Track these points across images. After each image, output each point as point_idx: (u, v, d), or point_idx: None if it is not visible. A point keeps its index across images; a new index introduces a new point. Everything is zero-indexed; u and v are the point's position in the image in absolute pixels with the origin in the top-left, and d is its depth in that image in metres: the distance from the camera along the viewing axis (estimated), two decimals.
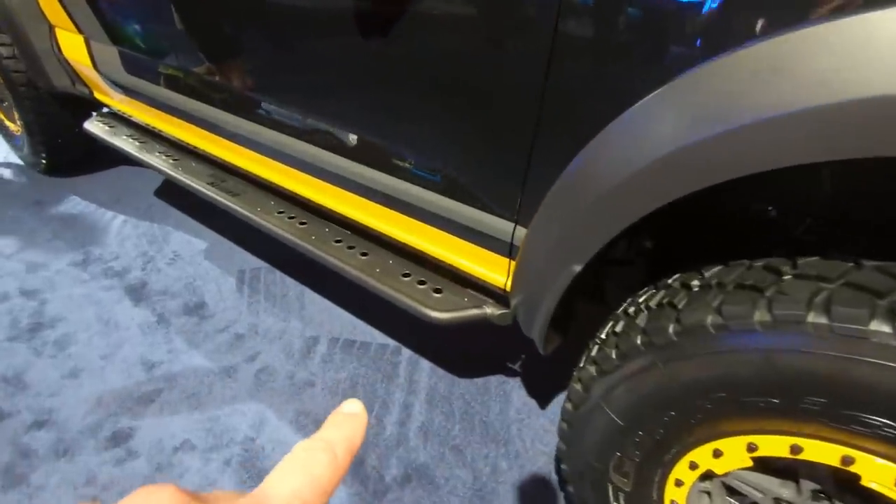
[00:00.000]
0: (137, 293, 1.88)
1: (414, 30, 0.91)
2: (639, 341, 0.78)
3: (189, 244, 2.18)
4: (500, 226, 0.99)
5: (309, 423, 1.43)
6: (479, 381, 1.60)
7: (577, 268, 0.82)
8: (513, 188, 0.93)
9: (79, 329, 1.71)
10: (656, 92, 0.68)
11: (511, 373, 1.64)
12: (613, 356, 0.82)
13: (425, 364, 1.65)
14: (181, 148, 1.84)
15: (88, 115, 2.46)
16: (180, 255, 2.11)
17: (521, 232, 0.96)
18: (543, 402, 1.55)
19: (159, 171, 1.77)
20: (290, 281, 1.99)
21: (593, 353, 0.88)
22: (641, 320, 0.80)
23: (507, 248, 1.01)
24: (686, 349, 0.72)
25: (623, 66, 0.72)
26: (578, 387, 0.90)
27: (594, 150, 0.76)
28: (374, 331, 1.77)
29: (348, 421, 0.27)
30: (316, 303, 1.88)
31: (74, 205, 2.42)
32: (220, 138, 1.55)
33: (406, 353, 1.69)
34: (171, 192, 2.53)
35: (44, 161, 2.49)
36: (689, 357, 0.72)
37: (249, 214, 1.49)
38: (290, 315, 1.82)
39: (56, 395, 1.48)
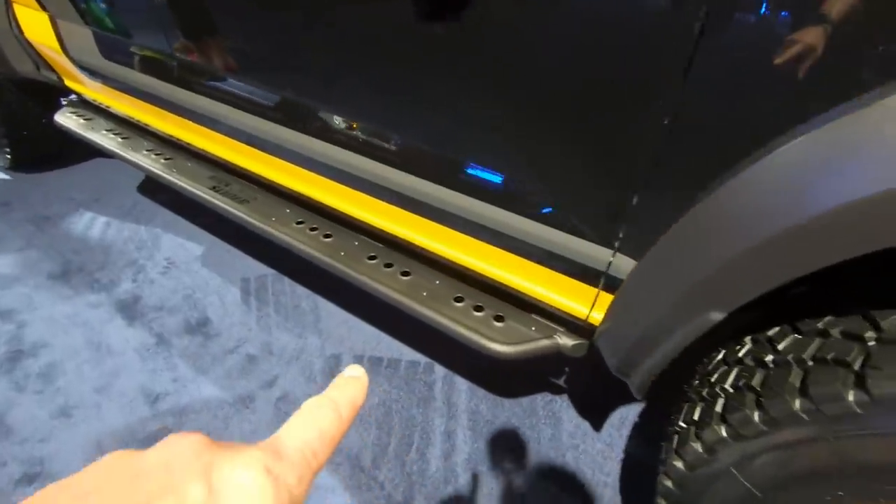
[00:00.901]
0: (130, 310, 1.67)
1: (524, 47, 0.73)
2: (798, 407, 0.63)
3: (183, 249, 1.96)
4: (593, 252, 0.83)
5: (343, 461, 1.28)
6: (524, 401, 1.46)
7: (719, 316, 0.66)
8: (618, 214, 0.76)
9: (66, 356, 1.50)
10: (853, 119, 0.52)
11: (555, 389, 1.50)
12: (757, 420, 0.68)
13: (462, 383, 1.50)
14: (172, 144, 1.60)
15: (58, 104, 2.20)
16: (174, 263, 1.89)
17: (624, 262, 0.80)
18: (596, 422, 1.42)
19: (148, 173, 1.54)
20: (300, 290, 1.80)
21: (720, 408, 0.74)
22: (795, 378, 0.65)
23: (597, 277, 0.85)
24: (875, 424, 0.58)
25: (781, 95, 0.56)
26: (698, 446, 0.76)
27: (756, 183, 0.59)
28: (400, 345, 1.61)
29: (351, 383, 0.31)
30: (332, 314, 1.70)
31: (47, 205, 2.16)
32: (223, 136, 1.33)
33: (439, 370, 1.53)
34: (157, 188, 2.29)
35: (8, 156, 2.21)
36: (880, 434, 0.58)
37: (262, 226, 1.29)
38: (305, 330, 1.64)
39: (46, 439, 1.28)
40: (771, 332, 0.74)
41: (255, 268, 1.89)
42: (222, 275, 1.84)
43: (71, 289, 1.75)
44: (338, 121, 1.08)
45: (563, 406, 1.45)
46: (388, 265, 1.16)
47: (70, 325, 1.61)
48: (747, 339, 0.79)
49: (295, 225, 1.28)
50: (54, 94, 2.16)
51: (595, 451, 1.34)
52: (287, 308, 1.72)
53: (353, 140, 1.07)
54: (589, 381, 1.52)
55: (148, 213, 2.16)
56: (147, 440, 1.29)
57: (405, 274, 1.14)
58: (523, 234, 0.89)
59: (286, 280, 1.84)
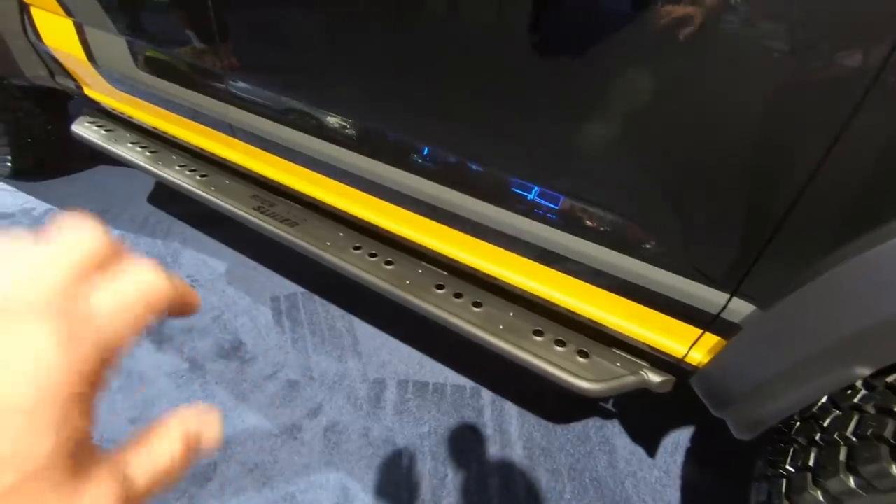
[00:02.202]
0: (157, 333, 1.59)
1: (667, 103, 0.70)
2: None
3: (205, 266, 1.88)
4: (703, 294, 0.81)
5: (401, 492, 1.23)
6: (577, 426, 1.44)
7: (866, 371, 0.65)
8: (742, 257, 0.74)
9: None
10: None
11: (605, 414, 1.49)
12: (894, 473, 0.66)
13: (511, 409, 1.47)
14: (204, 159, 1.53)
15: (64, 110, 2.09)
16: (198, 281, 1.81)
17: (741, 307, 0.78)
18: (650, 447, 1.40)
19: (182, 190, 1.46)
20: (333, 309, 1.75)
21: (844, 457, 0.73)
22: None
23: (706, 320, 0.83)
24: None
25: None
26: (818, 495, 0.75)
27: None
28: (444, 369, 1.57)
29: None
30: (370, 335, 1.65)
31: (54, 218, 2.04)
32: (272, 155, 1.28)
33: (486, 395, 1.50)
34: (170, 198, 2.19)
35: (9, 164, 2.09)
36: None
37: (318, 251, 1.24)
38: (344, 353, 1.58)
39: None
40: (891, 379, 0.73)
41: (283, 285, 1.82)
42: (250, 293, 1.77)
43: None
44: (411, 148, 1.04)
45: (615, 431, 1.44)
46: (458, 295, 1.13)
47: None
48: (858, 383, 0.78)
49: (353, 251, 1.23)
50: (62, 100, 2.06)
51: (653, 478, 1.33)
52: (322, 329, 1.66)
53: (426, 168, 1.03)
54: (640, 404, 1.51)
55: (163, 225, 2.06)
56: (193, 478, 1.22)
57: (477, 305, 1.11)
58: (624, 273, 0.87)
59: (317, 298, 1.78)
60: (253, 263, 1.91)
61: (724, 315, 0.81)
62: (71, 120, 2.11)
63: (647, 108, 0.72)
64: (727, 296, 0.79)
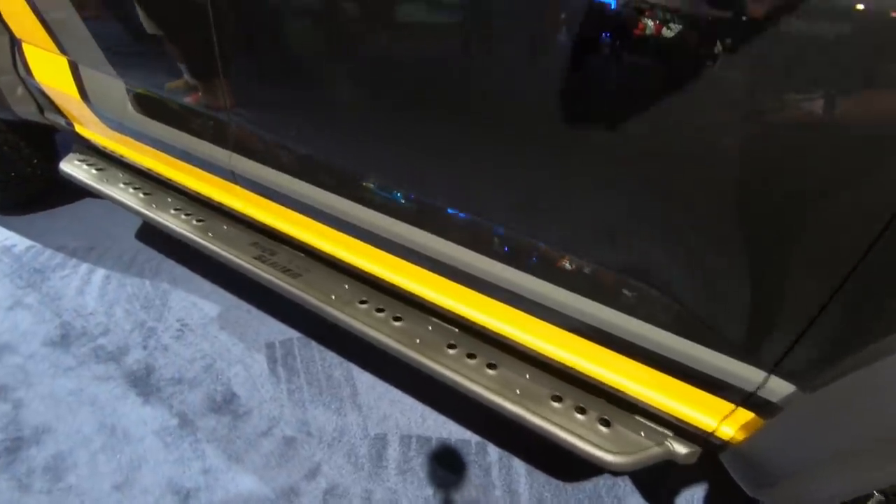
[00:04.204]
0: (144, 384, 1.50)
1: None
2: None
3: (196, 309, 1.80)
4: (741, 371, 0.77)
5: None
6: (587, 485, 1.38)
7: None
8: (783, 335, 0.71)
9: (75, 444, 1.32)
10: None
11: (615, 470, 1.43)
12: None
13: (520, 466, 1.41)
14: (200, 202, 1.47)
15: (51, 144, 2.02)
16: (188, 325, 1.73)
17: (780, 386, 0.75)
18: None
19: (178, 236, 1.40)
20: (330, 356, 1.67)
21: None
22: None
23: (740, 396, 0.80)
24: None
25: None
26: None
27: None
28: (447, 421, 1.50)
29: None
30: (369, 385, 1.59)
31: (37, 255, 1.95)
32: (275, 203, 1.23)
33: (493, 451, 1.44)
34: (159, 234, 2.11)
35: None
36: None
37: (322, 305, 1.19)
38: (343, 405, 1.51)
39: None
40: None
41: (278, 330, 1.75)
42: (243, 339, 1.70)
43: (73, 358, 1.56)
44: (422, 205, 1.00)
45: (626, 490, 1.38)
46: (471, 356, 1.08)
47: (76, 404, 1.42)
48: None
49: (359, 305, 1.18)
50: (48, 134, 1.99)
51: None
52: (319, 379, 1.59)
53: (441, 226, 0.99)
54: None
55: (151, 264, 1.98)
56: None
57: (492, 367, 1.06)
58: (654, 344, 0.83)
59: (314, 345, 1.71)
60: (246, 305, 1.84)
61: (760, 393, 0.77)
62: (58, 154, 2.05)
63: (687, 183, 0.69)
64: (765, 374, 0.76)
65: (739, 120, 0.62)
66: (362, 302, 1.19)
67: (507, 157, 0.86)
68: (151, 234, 2.13)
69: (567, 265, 0.87)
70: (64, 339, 1.62)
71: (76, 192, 2.25)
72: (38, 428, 1.35)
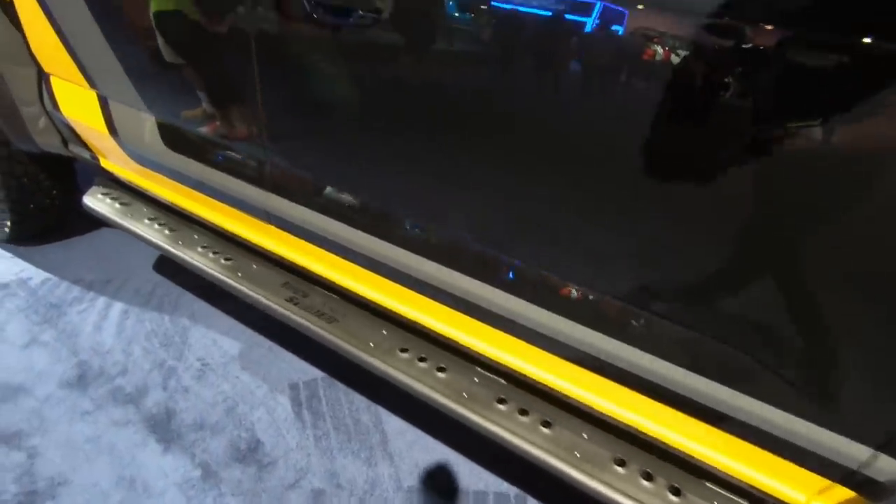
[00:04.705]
0: (164, 429, 1.43)
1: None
2: None
3: (216, 347, 1.73)
4: (842, 447, 0.70)
5: None
6: None
7: None
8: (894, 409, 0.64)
9: (92, 498, 1.25)
10: None
11: None
12: None
13: None
14: (231, 240, 1.42)
15: (71, 175, 1.99)
16: (209, 364, 1.66)
17: (890, 465, 0.67)
18: None
19: (206, 276, 1.35)
20: (357, 398, 1.60)
21: None
22: None
23: (840, 473, 0.72)
24: None
25: None
26: None
27: None
28: (482, 471, 1.42)
29: None
30: (399, 430, 1.51)
31: (53, 289, 1.90)
32: (310, 244, 1.17)
33: None
34: (177, 267, 2.04)
35: (7, 230, 1.96)
36: None
37: (359, 353, 1.12)
38: (373, 454, 1.43)
39: None
40: None
41: (301, 369, 1.68)
42: (267, 380, 1.63)
43: (90, 401, 1.49)
44: (473, 253, 0.95)
45: None
46: (524, 412, 1.01)
47: (93, 453, 1.35)
48: None
49: (400, 354, 1.12)
50: (68, 165, 1.96)
51: None
52: (347, 423, 1.51)
53: (498, 278, 0.93)
54: None
55: (170, 298, 1.93)
56: None
57: (546, 425, 0.99)
58: (740, 413, 0.76)
59: (339, 385, 1.64)
60: (267, 342, 1.77)
61: (865, 471, 0.70)
62: (77, 184, 2.01)
63: (789, 252, 0.64)
64: (871, 451, 0.69)
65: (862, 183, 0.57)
66: (403, 350, 1.13)
67: (571, 203, 0.81)
68: (169, 266, 2.08)
69: (643, 322, 0.81)
70: (81, 380, 1.55)
71: (92, 221, 2.21)
72: (54, 479, 1.27)
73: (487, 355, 1.03)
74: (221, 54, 1.13)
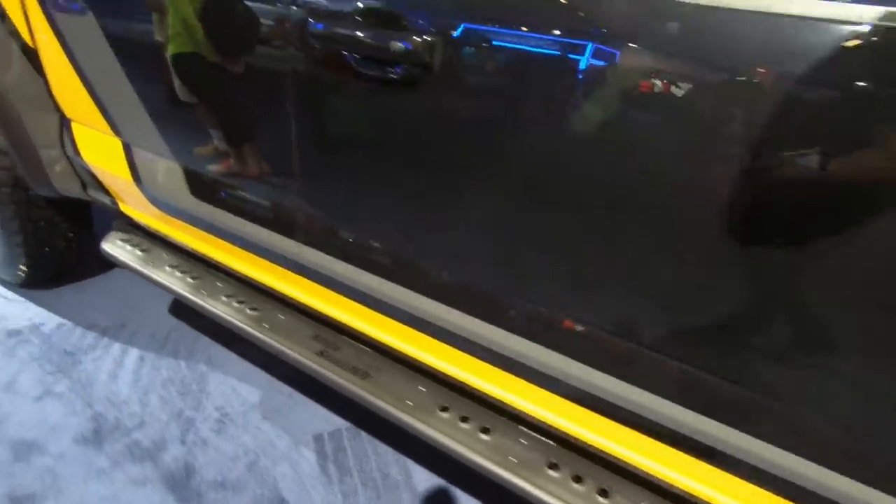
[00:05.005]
0: (184, 488, 1.36)
1: None
2: None
3: (235, 395, 1.67)
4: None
5: None
6: None
7: None
8: None
9: None
10: None
11: None
12: None
13: None
14: (254, 288, 1.37)
15: (87, 218, 1.95)
16: (228, 415, 1.59)
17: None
18: None
19: (230, 326, 1.30)
20: (383, 449, 1.53)
21: None
22: None
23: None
24: None
25: None
26: None
27: None
28: None
29: None
30: (431, 487, 1.43)
31: (67, 335, 1.84)
32: (343, 296, 1.13)
33: None
34: (192, 310, 2.00)
35: (21, 274, 1.92)
36: None
37: (394, 412, 1.06)
38: None
39: None
40: None
41: (324, 418, 1.61)
42: (289, 431, 1.56)
43: (106, 457, 1.42)
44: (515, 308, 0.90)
45: None
46: (578, 479, 0.94)
47: None
48: None
49: (440, 414, 1.06)
50: (84, 207, 1.93)
51: None
52: (375, 478, 1.44)
53: (551, 335, 0.88)
54: None
55: (186, 342, 1.87)
56: None
57: (603, 494, 0.92)
58: (815, 484, 0.70)
59: (364, 436, 1.57)
60: (287, 389, 1.71)
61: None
62: (93, 226, 1.98)
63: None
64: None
65: None
66: (443, 409, 1.07)
67: (627, 258, 0.76)
68: (184, 309, 2.02)
69: (702, 387, 0.76)
70: (96, 435, 1.48)
71: (106, 263, 2.18)
72: None
73: (534, 415, 0.97)
74: (252, 101, 1.10)
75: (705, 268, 0.70)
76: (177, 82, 1.17)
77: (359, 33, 0.80)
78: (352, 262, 1.06)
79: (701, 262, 0.70)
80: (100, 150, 1.43)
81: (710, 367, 0.74)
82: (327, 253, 1.09)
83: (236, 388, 1.70)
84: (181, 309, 2.03)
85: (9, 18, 1.42)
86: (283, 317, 1.29)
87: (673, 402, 0.78)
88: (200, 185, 1.26)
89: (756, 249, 0.65)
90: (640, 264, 0.76)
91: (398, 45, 0.75)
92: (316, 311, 1.20)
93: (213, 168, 1.21)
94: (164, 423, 1.55)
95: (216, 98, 1.17)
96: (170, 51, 1.15)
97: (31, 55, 1.45)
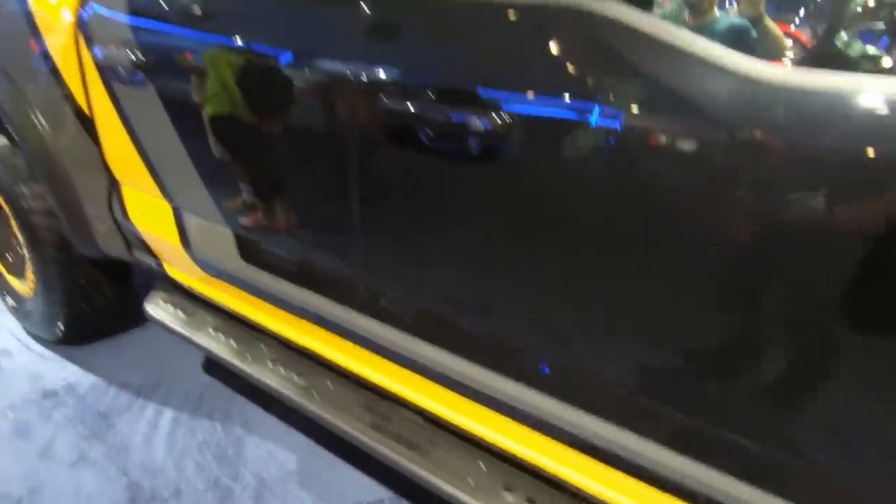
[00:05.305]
0: None
1: None
2: None
3: (272, 459, 1.61)
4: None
5: None
6: None
7: None
8: None
9: None
10: None
11: None
12: None
13: None
14: (300, 352, 1.34)
15: (128, 276, 1.96)
16: (265, 482, 1.53)
17: None
18: None
19: (275, 394, 1.26)
20: None
21: None
22: None
23: None
24: None
25: None
26: None
27: None
28: None
29: None
30: None
31: (101, 395, 1.82)
32: (401, 367, 1.09)
33: None
34: (227, 368, 1.97)
35: (60, 333, 1.91)
36: None
37: (453, 491, 1.00)
38: None
39: None
40: None
41: (365, 487, 1.54)
42: (327, 499, 1.49)
43: None
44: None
45: None
46: None
47: None
48: None
49: (504, 494, 0.99)
50: (125, 266, 1.94)
51: None
52: None
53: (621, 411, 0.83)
54: None
55: (221, 402, 1.83)
56: None
57: None
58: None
59: None
60: (326, 454, 1.64)
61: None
62: (135, 288, 1.98)
63: None
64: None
65: None
66: (507, 489, 1.00)
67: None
68: (219, 367, 1.98)
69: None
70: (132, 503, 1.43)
71: (140, 317, 2.17)
72: None
73: (606, 499, 0.91)
74: (313, 161, 1.09)
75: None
76: (213, 140, 1.20)
77: (434, 110, 0.80)
78: (410, 331, 1.03)
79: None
80: (149, 214, 1.45)
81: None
82: (382, 321, 1.06)
83: (273, 452, 1.64)
84: (215, 367, 2.00)
85: (65, 85, 1.47)
86: (331, 385, 1.25)
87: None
88: (251, 250, 1.25)
89: None
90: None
91: (478, 125, 0.75)
92: (368, 380, 1.16)
93: (243, 221, 1.22)
94: (200, 492, 1.49)
95: (255, 158, 1.18)
96: (207, 112, 1.19)
97: (86, 121, 1.49)
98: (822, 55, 0.76)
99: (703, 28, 2.09)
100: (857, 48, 1.37)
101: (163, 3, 1.22)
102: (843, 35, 1.32)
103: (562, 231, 0.81)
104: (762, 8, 1.78)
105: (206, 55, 1.14)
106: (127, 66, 1.26)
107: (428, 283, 1.01)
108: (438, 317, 0.99)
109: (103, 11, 1.33)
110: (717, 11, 2.20)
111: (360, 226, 1.02)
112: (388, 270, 1.05)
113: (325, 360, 1.23)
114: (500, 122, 0.75)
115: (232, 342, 1.39)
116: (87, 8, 1.36)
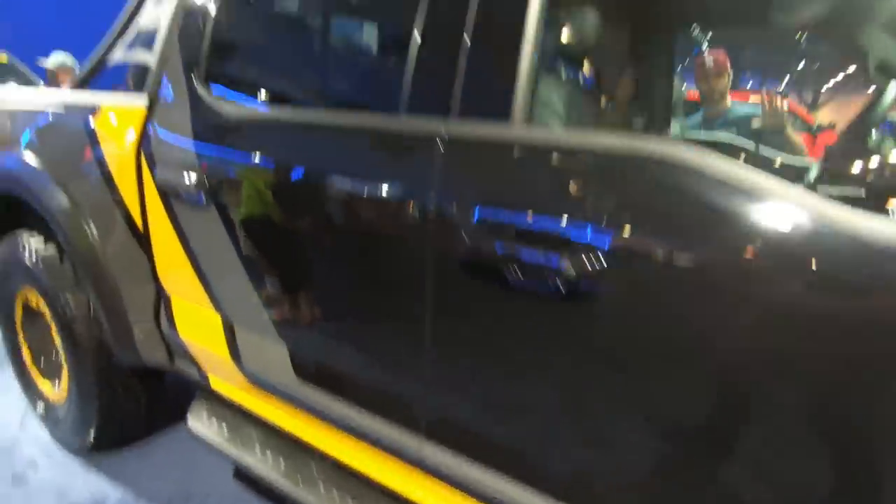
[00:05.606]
0: None
1: None
2: None
3: None
4: None
5: None
6: None
7: None
8: None
9: None
10: None
11: None
12: None
13: None
14: (352, 474, 1.27)
15: (162, 384, 1.92)
16: None
17: None
18: None
19: None
20: None
21: None
22: None
23: None
24: None
25: None
26: None
27: None
28: None
29: None
30: None
31: None
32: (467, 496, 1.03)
33: None
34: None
35: (91, 440, 1.84)
36: None
37: None
38: None
39: None
40: None
41: None
42: None
43: None
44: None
45: None
46: None
47: None
48: None
49: None
50: (162, 375, 1.90)
51: None
52: None
53: None
54: None
55: None
56: None
57: None
58: None
59: None
60: None
61: None
62: (167, 394, 1.94)
63: None
64: None
65: None
66: None
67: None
68: (249, 476, 1.90)
69: None
70: None
71: (169, 421, 2.09)
72: None
73: None
74: (381, 271, 1.09)
75: None
76: (243, 240, 1.24)
77: (525, 251, 0.81)
78: (483, 462, 0.98)
79: None
80: (198, 326, 1.44)
81: None
82: (453, 450, 1.01)
83: None
84: (246, 476, 1.91)
85: (122, 201, 1.51)
86: None
87: None
88: (307, 368, 1.22)
89: None
90: None
91: (570, 270, 0.75)
92: None
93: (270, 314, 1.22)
94: None
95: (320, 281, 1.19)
96: (241, 214, 1.23)
97: (139, 235, 1.52)
98: None
99: (717, 118, 2.17)
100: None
101: (227, 130, 1.29)
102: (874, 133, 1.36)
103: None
104: (785, 120, 1.86)
105: (265, 180, 1.19)
106: (188, 186, 1.30)
107: (508, 418, 0.97)
108: (519, 451, 0.94)
109: (166, 134, 1.39)
110: (729, 101, 2.29)
111: (434, 350, 1.00)
112: (464, 398, 1.01)
113: (384, 486, 1.17)
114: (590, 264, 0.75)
115: (281, 461, 1.33)
116: (150, 130, 1.43)
